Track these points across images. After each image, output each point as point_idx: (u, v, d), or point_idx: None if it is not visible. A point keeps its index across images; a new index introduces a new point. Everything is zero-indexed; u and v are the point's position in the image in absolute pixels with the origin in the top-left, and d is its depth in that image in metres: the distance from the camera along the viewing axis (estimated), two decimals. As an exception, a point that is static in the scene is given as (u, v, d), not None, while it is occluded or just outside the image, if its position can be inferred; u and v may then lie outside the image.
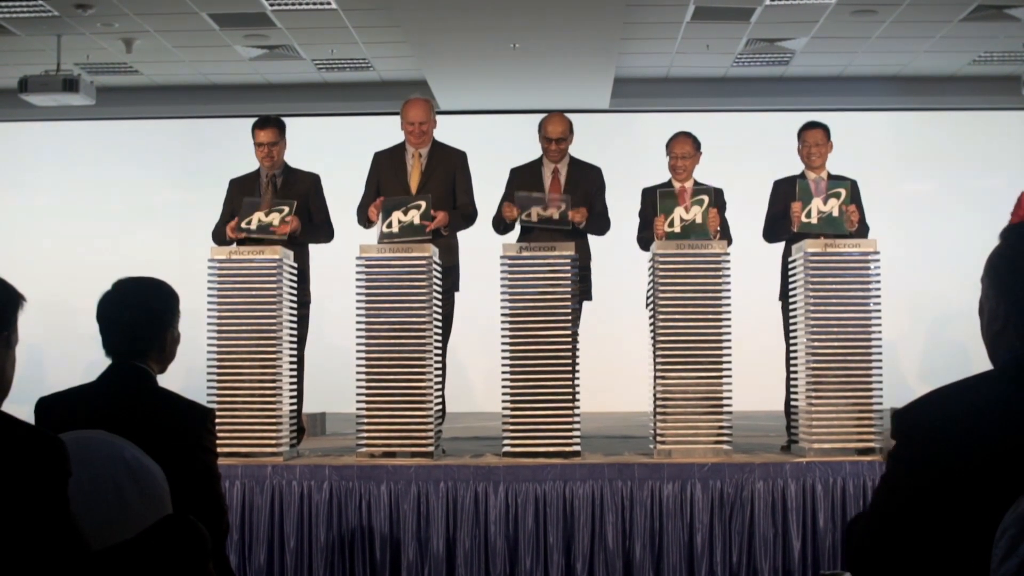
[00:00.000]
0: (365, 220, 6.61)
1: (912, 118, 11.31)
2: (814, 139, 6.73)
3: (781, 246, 6.81)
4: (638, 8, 8.65)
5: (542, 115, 6.87)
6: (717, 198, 6.78)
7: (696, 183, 6.81)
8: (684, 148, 6.73)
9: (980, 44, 9.92)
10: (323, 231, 6.74)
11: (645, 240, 6.60)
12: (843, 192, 6.38)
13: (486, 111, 10.73)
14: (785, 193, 6.75)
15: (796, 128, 6.86)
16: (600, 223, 6.75)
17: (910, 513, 2.22)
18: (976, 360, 2.37)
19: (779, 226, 6.71)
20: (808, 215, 6.38)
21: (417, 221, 6.20)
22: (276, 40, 9.73)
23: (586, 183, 6.76)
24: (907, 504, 2.23)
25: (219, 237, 6.59)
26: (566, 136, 6.74)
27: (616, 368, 9.41)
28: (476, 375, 10.16)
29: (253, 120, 6.77)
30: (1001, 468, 2.12)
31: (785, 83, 11.00)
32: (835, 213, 6.35)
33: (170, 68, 10.58)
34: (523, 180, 6.74)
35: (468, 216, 6.72)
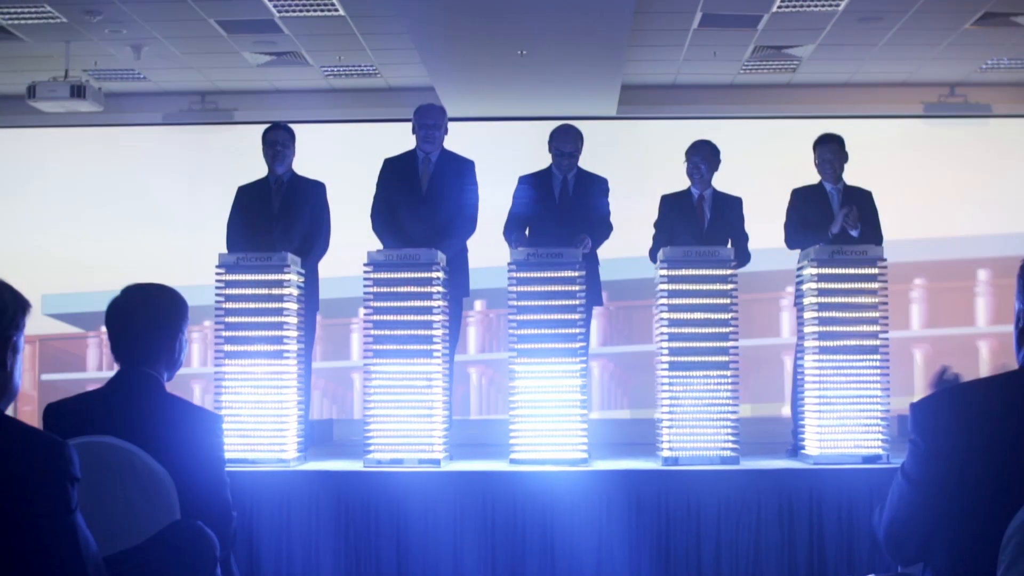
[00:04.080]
0: (381, 226, 6.66)
1: (919, 125, 11.30)
2: (825, 153, 6.80)
3: (796, 254, 6.84)
4: (645, 15, 8.66)
5: (548, 122, 6.92)
6: (737, 208, 6.83)
7: (715, 191, 6.85)
8: (702, 159, 6.78)
9: (987, 51, 9.91)
10: (320, 244, 6.74)
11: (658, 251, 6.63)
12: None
13: (493, 118, 10.73)
14: (804, 201, 6.79)
15: (803, 134, 6.95)
16: (604, 231, 6.79)
17: (923, 502, 2.24)
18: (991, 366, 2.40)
19: (804, 235, 6.70)
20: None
21: None
22: (284, 47, 9.75)
23: (594, 193, 6.83)
24: (920, 494, 2.24)
25: (232, 244, 6.62)
26: (579, 149, 6.82)
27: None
28: (484, 381, 10.16)
29: (261, 126, 6.87)
30: (1014, 466, 2.13)
31: (792, 90, 11.00)
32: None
33: (178, 74, 10.60)
34: (533, 189, 6.78)
35: (463, 226, 6.71)
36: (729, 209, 6.84)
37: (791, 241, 6.85)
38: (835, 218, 6.63)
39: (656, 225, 6.91)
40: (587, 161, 6.92)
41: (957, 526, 2.19)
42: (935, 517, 2.23)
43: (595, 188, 6.85)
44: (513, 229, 6.76)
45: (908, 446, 2.33)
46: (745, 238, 6.79)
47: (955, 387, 2.33)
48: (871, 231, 6.67)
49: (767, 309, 10.64)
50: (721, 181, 6.92)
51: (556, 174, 6.85)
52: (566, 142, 6.80)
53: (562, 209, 6.77)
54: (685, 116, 10.78)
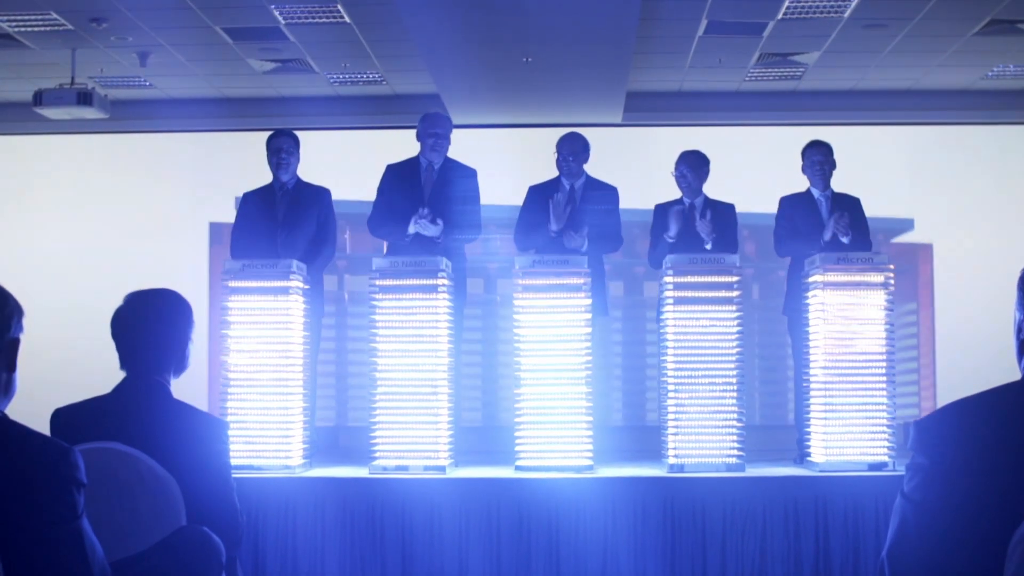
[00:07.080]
0: (381, 232, 6.69)
1: (925, 132, 11.28)
2: (815, 155, 6.83)
3: (787, 259, 6.87)
4: (650, 22, 8.65)
5: (553, 129, 6.94)
6: (729, 214, 6.83)
7: (707, 199, 6.86)
8: (688, 167, 6.81)
9: (993, 58, 9.90)
10: (326, 251, 6.73)
11: (656, 258, 6.62)
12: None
13: (499, 125, 10.72)
14: (792, 209, 6.81)
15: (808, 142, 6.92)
16: (608, 244, 6.83)
17: (928, 522, 2.21)
18: (992, 373, 2.37)
19: (794, 243, 6.74)
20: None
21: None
22: (290, 54, 9.75)
23: (600, 202, 6.85)
24: (926, 514, 2.22)
25: (238, 251, 6.61)
26: (578, 153, 6.82)
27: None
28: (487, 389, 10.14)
29: (266, 133, 6.85)
30: (1018, 477, 2.11)
31: (797, 97, 10.97)
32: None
33: (184, 82, 10.60)
34: (542, 198, 6.79)
35: (465, 235, 6.73)
36: (721, 216, 6.84)
37: (781, 248, 6.88)
38: (826, 225, 6.64)
39: (652, 232, 6.93)
40: (593, 168, 6.93)
41: (967, 545, 2.16)
42: (943, 537, 2.20)
43: (604, 197, 6.87)
44: (525, 235, 6.78)
45: (908, 470, 2.27)
46: (735, 244, 6.78)
47: (957, 401, 2.30)
48: (861, 237, 6.69)
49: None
50: (725, 188, 6.93)
51: (564, 182, 6.88)
52: (564, 146, 6.86)
53: (571, 217, 6.76)
54: (691, 123, 10.77)
